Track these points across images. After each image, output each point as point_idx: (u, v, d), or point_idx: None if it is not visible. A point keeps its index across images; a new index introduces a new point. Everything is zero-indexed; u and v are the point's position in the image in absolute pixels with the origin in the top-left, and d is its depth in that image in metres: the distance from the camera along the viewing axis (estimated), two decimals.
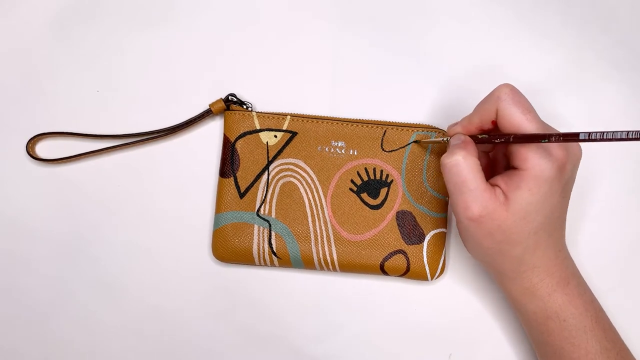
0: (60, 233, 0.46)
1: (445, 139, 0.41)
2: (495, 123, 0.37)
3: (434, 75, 0.47)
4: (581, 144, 0.38)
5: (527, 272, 0.38)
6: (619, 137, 0.29)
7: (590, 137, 0.31)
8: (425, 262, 0.43)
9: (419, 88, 0.47)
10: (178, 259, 0.45)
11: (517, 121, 0.36)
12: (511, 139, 0.36)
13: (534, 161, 0.35)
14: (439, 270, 0.44)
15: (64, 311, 0.45)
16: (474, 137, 0.39)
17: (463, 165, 0.36)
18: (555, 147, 0.35)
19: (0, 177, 0.46)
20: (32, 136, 0.45)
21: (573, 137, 0.32)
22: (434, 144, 0.44)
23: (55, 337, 0.45)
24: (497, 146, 0.42)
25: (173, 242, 0.46)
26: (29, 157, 0.45)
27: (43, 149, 0.46)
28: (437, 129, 0.44)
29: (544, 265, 0.38)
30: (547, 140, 0.33)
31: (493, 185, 0.37)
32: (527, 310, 0.39)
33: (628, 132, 0.29)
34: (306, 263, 0.44)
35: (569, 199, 0.39)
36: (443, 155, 0.37)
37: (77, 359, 0.45)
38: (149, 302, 0.45)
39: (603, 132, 0.30)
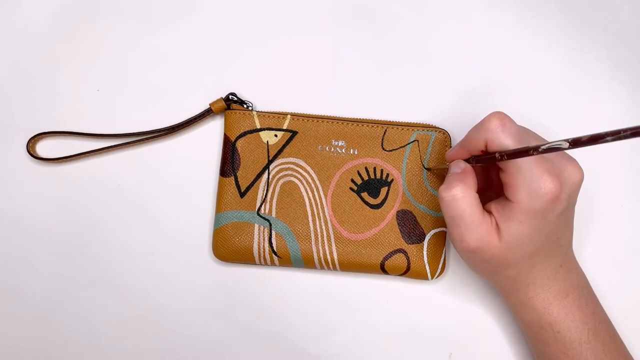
0: (60, 232, 0.46)
1: (448, 164, 0.41)
2: (485, 152, 0.37)
3: (434, 74, 0.47)
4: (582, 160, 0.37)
5: (522, 288, 0.39)
6: (603, 138, 0.27)
7: (572, 144, 0.29)
8: (426, 261, 0.43)
9: (419, 87, 0.47)
10: (178, 258, 0.45)
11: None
12: (500, 158, 0.34)
13: (523, 195, 0.35)
14: (439, 270, 0.44)
15: (65, 310, 0.45)
16: (469, 161, 0.38)
17: (461, 200, 0.36)
18: (547, 180, 0.34)
19: (0, 176, 0.46)
20: (32, 135, 0.45)
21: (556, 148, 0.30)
22: (441, 168, 0.43)
23: (56, 336, 0.45)
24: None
25: (173, 242, 0.46)
26: (29, 156, 0.45)
27: (44, 148, 0.46)
28: (438, 128, 0.45)
29: (540, 282, 0.38)
30: (533, 153, 0.32)
31: (487, 211, 0.37)
32: (523, 319, 0.40)
33: (609, 132, 0.26)
34: (306, 262, 0.44)
35: (572, 219, 0.39)
36: (441, 187, 0.37)
37: (78, 357, 0.45)
38: (150, 301, 0.45)
39: (584, 137, 0.28)
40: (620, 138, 0.26)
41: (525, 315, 0.40)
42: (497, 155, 0.35)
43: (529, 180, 0.34)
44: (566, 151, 0.38)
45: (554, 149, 0.30)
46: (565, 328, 0.38)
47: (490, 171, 0.41)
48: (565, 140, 0.29)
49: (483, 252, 0.37)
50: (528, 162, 0.34)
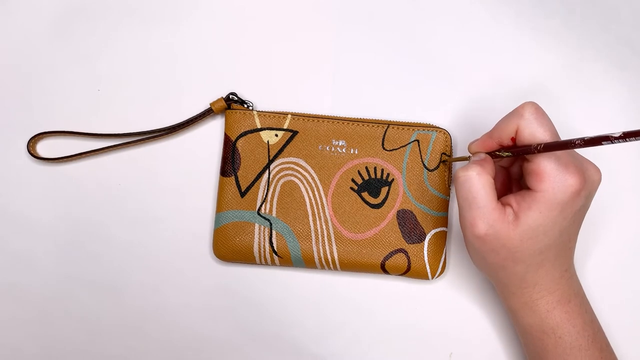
0: (61, 232, 0.46)
1: (469, 157, 0.41)
2: (514, 140, 0.37)
3: (435, 74, 0.47)
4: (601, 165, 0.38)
5: (527, 288, 0.38)
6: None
7: (613, 139, 0.29)
8: (426, 261, 0.43)
9: (419, 87, 0.47)
10: (179, 258, 0.45)
11: (539, 141, 0.35)
12: (538, 149, 0.35)
13: (548, 184, 0.35)
14: (439, 270, 0.44)
15: (65, 309, 0.45)
16: (495, 155, 0.38)
17: (475, 181, 0.36)
18: (572, 173, 0.35)
19: (1, 176, 0.46)
20: (32, 135, 0.45)
21: (595, 142, 0.31)
22: (457, 161, 0.44)
23: (56, 336, 0.45)
24: (515, 162, 0.41)
25: (174, 241, 0.46)
26: (30, 156, 0.45)
27: (44, 148, 0.46)
28: (438, 127, 0.45)
29: (546, 284, 0.38)
30: (572, 146, 0.32)
31: (505, 204, 0.37)
32: (524, 323, 0.40)
33: None
34: (307, 262, 0.44)
35: (582, 223, 0.39)
36: (458, 169, 0.37)
37: (78, 357, 0.45)
38: (150, 301, 0.45)
39: (627, 133, 0.28)
40: None
41: (526, 319, 0.39)
42: (533, 146, 0.35)
43: (555, 170, 0.35)
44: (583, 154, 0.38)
45: (602, 138, 0.30)
46: (567, 333, 0.38)
47: (510, 178, 0.42)
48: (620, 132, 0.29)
49: (493, 241, 0.36)
50: (556, 153, 0.35)
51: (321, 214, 0.44)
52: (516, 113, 0.36)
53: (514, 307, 0.40)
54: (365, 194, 0.44)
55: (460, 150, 0.46)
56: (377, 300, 0.46)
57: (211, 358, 0.45)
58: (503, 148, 0.38)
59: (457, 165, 0.46)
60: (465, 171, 0.37)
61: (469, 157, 0.41)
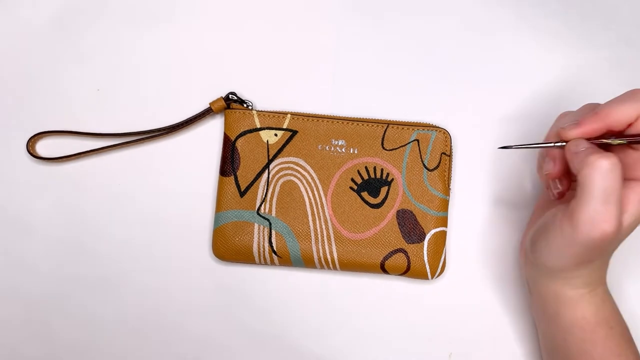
0: (60, 231, 0.46)
1: (554, 143, 0.35)
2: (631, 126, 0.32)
3: (434, 73, 0.47)
4: None
5: (591, 282, 0.37)
6: None
7: None
8: (426, 260, 0.43)
9: (419, 86, 0.47)
10: (178, 258, 0.45)
11: None
12: None
13: None
14: (439, 269, 0.44)
15: (64, 309, 0.45)
16: (600, 142, 0.33)
17: (619, 172, 0.30)
18: None
19: (1, 176, 0.46)
20: (32, 135, 0.45)
21: None
22: (537, 148, 0.38)
23: (56, 336, 0.45)
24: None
25: (173, 241, 0.46)
26: (29, 155, 0.45)
27: (44, 147, 0.46)
28: (438, 127, 0.45)
29: (603, 275, 0.38)
30: None
31: None
32: (575, 316, 0.37)
33: None
34: (306, 262, 0.44)
35: None
36: (592, 156, 0.30)
37: (78, 357, 0.45)
38: (150, 301, 0.45)
39: None
40: None
41: (580, 311, 0.36)
42: None
43: None
44: None
45: None
46: (617, 323, 0.37)
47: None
48: None
49: (606, 241, 0.32)
50: None
51: (321, 213, 0.44)
52: (637, 97, 0.31)
53: (569, 301, 0.36)
54: (364, 194, 0.44)
55: (460, 150, 0.46)
56: (377, 300, 0.45)
57: (211, 358, 0.45)
58: (613, 134, 0.32)
59: (458, 165, 0.46)
60: (608, 158, 0.30)
61: (556, 144, 0.34)
